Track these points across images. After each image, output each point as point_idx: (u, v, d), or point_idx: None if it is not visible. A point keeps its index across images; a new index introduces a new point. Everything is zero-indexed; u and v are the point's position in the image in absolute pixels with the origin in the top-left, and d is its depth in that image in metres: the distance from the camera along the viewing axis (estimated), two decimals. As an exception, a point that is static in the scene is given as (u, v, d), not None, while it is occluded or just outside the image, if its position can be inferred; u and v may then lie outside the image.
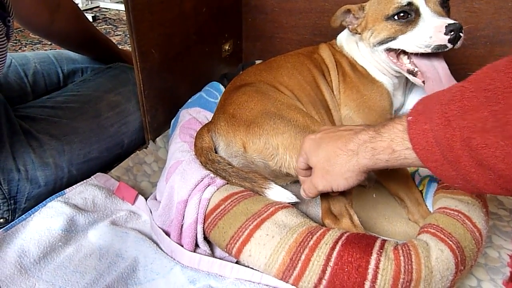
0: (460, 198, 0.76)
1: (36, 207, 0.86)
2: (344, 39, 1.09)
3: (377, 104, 1.00)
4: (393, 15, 0.91)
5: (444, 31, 0.83)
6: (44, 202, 0.87)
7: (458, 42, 0.85)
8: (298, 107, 0.90)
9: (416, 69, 0.94)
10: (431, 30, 0.85)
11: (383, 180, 0.96)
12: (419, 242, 0.66)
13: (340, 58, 1.07)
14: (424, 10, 0.88)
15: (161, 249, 0.82)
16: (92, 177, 0.97)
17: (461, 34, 0.84)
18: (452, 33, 0.83)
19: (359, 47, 1.04)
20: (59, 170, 0.94)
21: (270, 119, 0.83)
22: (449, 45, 0.85)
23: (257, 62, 1.46)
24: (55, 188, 0.93)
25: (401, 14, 0.90)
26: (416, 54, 0.91)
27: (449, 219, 0.70)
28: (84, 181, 0.95)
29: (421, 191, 0.90)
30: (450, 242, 0.65)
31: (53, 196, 0.89)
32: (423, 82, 0.93)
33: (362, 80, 1.02)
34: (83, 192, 0.93)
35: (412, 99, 1.08)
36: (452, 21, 0.84)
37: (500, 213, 0.96)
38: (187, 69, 1.24)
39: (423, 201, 0.89)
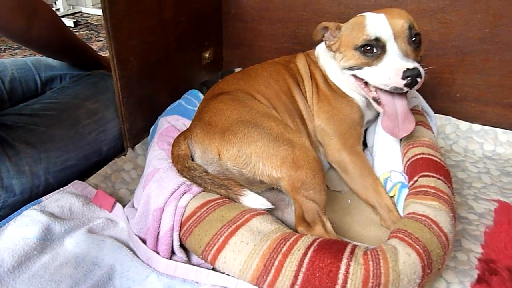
0: (428, 203, 0.79)
1: (11, 216, 0.85)
2: (321, 52, 1.11)
3: (347, 116, 1.02)
4: (361, 47, 0.93)
5: (402, 76, 0.85)
6: (19, 210, 0.87)
7: (415, 86, 0.86)
8: (273, 115, 0.92)
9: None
10: (392, 71, 0.87)
11: (354, 188, 0.99)
12: (387, 246, 0.68)
13: (314, 69, 1.09)
14: (391, 47, 0.89)
15: (138, 256, 0.82)
16: (69, 184, 0.97)
17: (418, 79, 0.84)
18: (409, 78, 0.84)
19: (332, 64, 1.06)
20: (35, 178, 0.94)
21: (244, 127, 0.85)
22: (405, 89, 0.86)
23: (237, 69, 1.48)
24: (31, 196, 0.93)
25: (368, 48, 0.91)
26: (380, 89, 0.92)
27: (416, 224, 0.73)
28: (61, 189, 0.95)
29: (392, 197, 0.93)
30: (417, 246, 0.68)
31: (28, 204, 0.89)
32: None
33: (333, 93, 1.04)
34: (60, 200, 0.92)
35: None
36: (412, 66, 0.84)
37: (470, 217, 1.00)
38: (167, 77, 1.25)
39: (394, 207, 0.91)
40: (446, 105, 1.38)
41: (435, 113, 1.33)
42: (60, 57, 1.24)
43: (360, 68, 0.94)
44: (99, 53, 1.40)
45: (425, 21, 1.29)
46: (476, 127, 1.34)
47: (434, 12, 1.27)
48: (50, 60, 1.26)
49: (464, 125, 1.35)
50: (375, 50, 0.91)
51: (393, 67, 0.87)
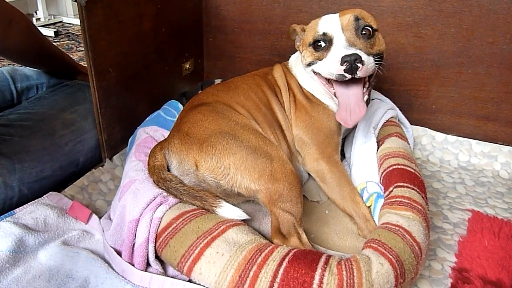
0: (402, 213, 0.80)
1: (-17, 228, 0.83)
2: (293, 61, 1.14)
3: (324, 125, 1.03)
4: (313, 42, 0.97)
5: (340, 62, 0.87)
6: (-9, 222, 0.85)
7: (358, 72, 0.87)
8: (252, 127, 0.93)
9: None
10: (333, 59, 0.90)
11: (332, 197, 1.00)
12: (361, 256, 0.69)
13: (290, 79, 1.11)
14: (338, 39, 0.92)
15: (113, 268, 0.81)
16: (44, 196, 0.95)
17: (358, 64, 0.86)
18: (347, 63, 0.86)
19: (302, 70, 1.08)
20: (9, 189, 0.92)
21: (223, 139, 0.85)
22: (347, 75, 0.88)
23: (217, 81, 1.49)
24: (5, 207, 0.91)
25: (318, 43, 0.96)
26: (335, 80, 0.94)
27: (390, 234, 0.74)
28: (36, 200, 0.93)
29: (369, 207, 0.94)
30: (390, 256, 0.69)
31: (1, 216, 0.87)
32: None
33: (309, 102, 1.06)
34: (34, 211, 0.91)
35: (364, 120, 1.12)
36: (350, 52, 0.87)
37: (445, 227, 1.02)
38: (146, 88, 1.25)
39: (371, 216, 0.92)
40: (422, 117, 1.41)
41: (412, 124, 1.36)
42: (36, 65, 1.23)
43: (315, 63, 0.97)
44: (79, 63, 1.39)
45: (401, 35, 1.33)
46: (451, 138, 1.37)
47: (410, 26, 1.31)
48: (26, 70, 1.24)
49: (439, 136, 1.38)
50: (323, 44, 0.95)
51: (335, 55, 0.90)
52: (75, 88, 1.19)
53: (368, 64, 0.88)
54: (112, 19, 1.02)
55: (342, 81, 0.93)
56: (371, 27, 0.94)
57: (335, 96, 0.97)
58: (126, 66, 1.12)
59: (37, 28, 1.13)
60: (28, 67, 1.26)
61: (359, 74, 0.87)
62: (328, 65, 0.91)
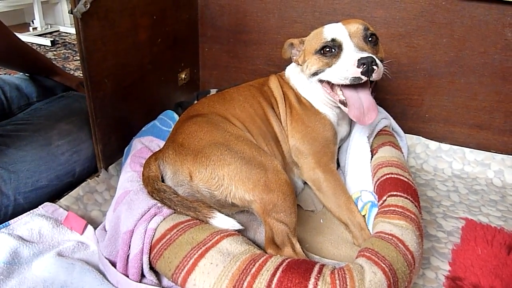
0: (395, 222, 0.81)
1: (-23, 239, 0.83)
2: (291, 71, 1.15)
3: (320, 135, 1.05)
4: (320, 50, 0.99)
5: (357, 64, 0.89)
6: (-14, 234, 0.85)
7: (374, 75, 0.90)
8: (247, 138, 0.94)
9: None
10: (348, 63, 0.92)
11: (328, 206, 1.01)
12: (354, 265, 0.70)
13: (287, 90, 1.12)
14: (347, 45, 0.95)
15: (108, 280, 0.81)
16: (39, 207, 0.95)
17: (374, 67, 0.89)
18: (364, 66, 0.89)
19: (301, 79, 1.10)
20: (4, 198, 0.92)
21: (217, 150, 0.86)
22: (363, 77, 0.90)
23: (212, 90, 1.50)
24: (0, 216, 0.91)
25: (326, 49, 0.97)
26: (344, 86, 0.96)
27: (383, 243, 0.75)
28: (31, 211, 0.93)
29: (364, 216, 0.95)
30: (383, 265, 0.69)
31: (-4, 227, 0.87)
32: None
33: (306, 112, 1.07)
34: (29, 222, 0.91)
35: (358, 129, 1.13)
36: (365, 55, 0.89)
37: (439, 235, 1.02)
38: (142, 98, 1.25)
39: (366, 225, 0.93)
40: (416, 125, 1.43)
41: (406, 133, 1.38)
42: (8, 64, 1.24)
43: (322, 70, 0.99)
44: (74, 74, 1.40)
45: (394, 45, 1.34)
46: (445, 146, 1.38)
47: (403, 36, 1.33)
48: (14, 79, 1.25)
49: (433, 144, 1.39)
50: (332, 50, 0.97)
51: (348, 59, 0.92)
52: (71, 99, 1.20)
53: (380, 67, 0.91)
54: (108, 30, 1.03)
55: (350, 87, 0.95)
56: (376, 35, 0.98)
57: (341, 103, 0.99)
58: (122, 77, 1.13)
59: (7, 27, 1.13)
60: (15, 75, 1.27)
61: (374, 76, 0.90)
62: (341, 69, 0.93)
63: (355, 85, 0.94)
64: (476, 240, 0.98)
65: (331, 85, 1.00)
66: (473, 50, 1.28)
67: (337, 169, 1.12)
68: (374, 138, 1.16)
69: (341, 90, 0.98)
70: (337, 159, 1.17)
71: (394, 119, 1.32)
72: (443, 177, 1.31)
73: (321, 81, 1.02)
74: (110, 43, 1.05)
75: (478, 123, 1.36)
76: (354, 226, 0.94)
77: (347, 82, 0.92)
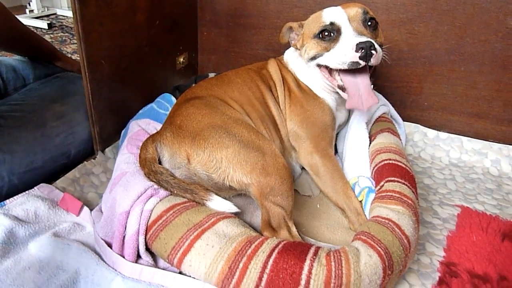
0: (392, 207, 0.81)
1: (-28, 219, 0.83)
2: (289, 56, 1.14)
3: (319, 119, 1.04)
4: (319, 34, 0.97)
5: (355, 49, 0.88)
6: (-19, 214, 0.85)
7: (372, 59, 0.89)
8: (245, 121, 0.93)
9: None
10: (346, 47, 0.91)
11: (325, 191, 1.01)
12: (350, 248, 0.70)
13: (285, 74, 1.11)
14: (346, 29, 0.94)
15: (104, 260, 0.81)
16: (35, 187, 0.95)
17: (372, 52, 0.88)
18: (362, 50, 0.88)
19: (300, 64, 1.09)
20: None
21: (216, 133, 0.85)
22: (362, 62, 0.89)
23: (211, 74, 1.49)
24: None
25: (325, 33, 0.96)
26: (342, 71, 0.95)
27: (379, 227, 0.75)
28: (26, 192, 0.93)
29: (361, 201, 0.95)
30: (379, 248, 0.69)
31: (-9, 207, 0.87)
32: None
33: (305, 96, 1.06)
34: (25, 203, 0.90)
35: (356, 115, 1.13)
36: (364, 39, 0.88)
37: (434, 222, 1.03)
38: (139, 81, 1.24)
39: (362, 211, 0.93)
40: (415, 113, 1.42)
41: (404, 121, 1.37)
42: (11, 49, 1.22)
43: (321, 55, 0.98)
44: (72, 57, 1.39)
45: (394, 32, 1.33)
46: (443, 135, 1.38)
47: (403, 23, 1.32)
48: (11, 60, 1.23)
49: (431, 133, 1.39)
50: (331, 34, 0.95)
51: (347, 43, 0.91)
52: (66, 80, 1.18)
53: (379, 52, 0.90)
54: (105, 11, 1.01)
55: (349, 72, 0.94)
56: (375, 19, 0.97)
57: (339, 88, 0.98)
58: (119, 59, 1.12)
59: (8, 9, 1.12)
60: (13, 57, 1.25)
61: (373, 61, 0.89)
62: (339, 53, 0.92)
63: (353, 70, 0.93)
64: (471, 227, 0.98)
65: (330, 70, 0.99)
66: (474, 38, 1.27)
67: (335, 155, 1.12)
68: (373, 124, 1.16)
69: (339, 75, 0.97)
70: (335, 145, 1.17)
71: (392, 106, 1.31)
72: (440, 165, 1.31)
73: (319, 65, 1.01)
74: (107, 23, 1.04)
75: (476, 112, 1.36)
76: (350, 211, 0.94)
77: (345, 66, 0.91)
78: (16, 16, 1.14)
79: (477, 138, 1.35)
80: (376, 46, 0.89)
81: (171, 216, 0.77)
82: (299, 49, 1.07)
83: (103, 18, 1.01)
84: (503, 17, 1.22)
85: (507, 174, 1.26)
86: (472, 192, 1.17)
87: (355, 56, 0.88)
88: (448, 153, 1.35)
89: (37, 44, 1.26)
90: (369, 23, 0.95)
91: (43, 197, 0.93)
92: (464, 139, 1.36)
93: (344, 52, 0.90)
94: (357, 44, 0.88)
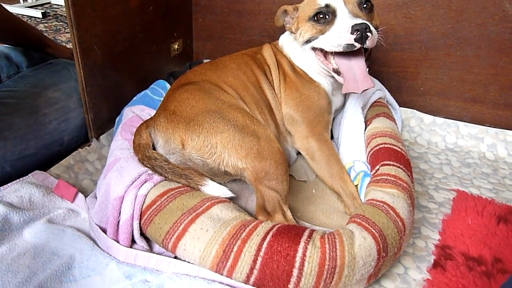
0: (387, 190, 0.81)
1: (-35, 206, 0.83)
2: (284, 40, 1.13)
3: (315, 103, 1.03)
4: (314, 16, 0.96)
5: (350, 31, 0.87)
6: (-26, 201, 0.84)
7: (367, 42, 0.88)
8: (239, 106, 0.92)
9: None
10: (342, 29, 0.90)
11: (321, 175, 1.00)
12: (344, 230, 0.70)
13: (280, 58, 1.10)
14: (341, 11, 0.93)
15: (98, 246, 0.81)
16: (29, 174, 0.94)
17: (368, 34, 0.87)
18: (358, 32, 0.87)
19: (295, 48, 1.08)
20: None
21: (210, 118, 0.85)
22: (357, 44, 0.88)
23: (205, 61, 1.47)
24: None
25: (320, 16, 0.95)
26: (337, 54, 0.94)
27: (374, 210, 0.75)
28: (21, 179, 0.92)
29: (356, 186, 0.95)
30: (373, 231, 0.69)
31: (-16, 194, 0.86)
32: None
33: (300, 80, 1.05)
34: (19, 190, 0.90)
35: (352, 100, 1.12)
36: (360, 21, 0.87)
37: (430, 206, 1.03)
38: (133, 67, 1.23)
39: (358, 195, 0.93)
40: (411, 99, 1.42)
41: (400, 106, 1.37)
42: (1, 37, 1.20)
43: (316, 38, 0.97)
44: (66, 46, 1.37)
45: (390, 16, 1.32)
46: (439, 120, 1.38)
47: (399, 7, 1.30)
48: (3, 48, 1.22)
49: (428, 118, 1.39)
50: (326, 17, 0.94)
51: (342, 25, 0.90)
52: (59, 66, 1.17)
53: (375, 34, 0.89)
54: (97, -5, 1.00)
55: (344, 55, 0.93)
56: (371, 2, 0.96)
57: (334, 72, 0.97)
58: (112, 45, 1.10)
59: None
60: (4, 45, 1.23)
61: (368, 43, 0.88)
62: (334, 36, 0.91)
63: (348, 53, 0.92)
64: (467, 211, 0.99)
65: (325, 53, 0.99)
66: (470, 21, 1.26)
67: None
68: (368, 109, 1.15)
69: (334, 58, 0.96)
70: (331, 130, 1.16)
71: (389, 91, 1.30)
72: (436, 151, 1.31)
73: (314, 49, 1.00)
74: (100, 9, 1.02)
75: (473, 97, 1.35)
76: (346, 195, 0.94)
77: (340, 49, 0.90)
78: (9, 5, 1.12)
79: (473, 123, 1.35)
80: (372, 28, 0.88)
81: (165, 201, 0.76)
82: (294, 33, 1.05)
83: (95, 3, 1.00)
84: (499, 0, 1.20)
85: (503, 159, 1.26)
86: (468, 176, 1.17)
87: (350, 38, 0.88)
88: (444, 138, 1.34)
89: (25, 32, 1.24)
90: (365, 6, 0.94)
91: (37, 184, 0.93)
92: (461, 124, 1.36)
93: (339, 34, 0.89)
94: (352, 26, 0.87)
